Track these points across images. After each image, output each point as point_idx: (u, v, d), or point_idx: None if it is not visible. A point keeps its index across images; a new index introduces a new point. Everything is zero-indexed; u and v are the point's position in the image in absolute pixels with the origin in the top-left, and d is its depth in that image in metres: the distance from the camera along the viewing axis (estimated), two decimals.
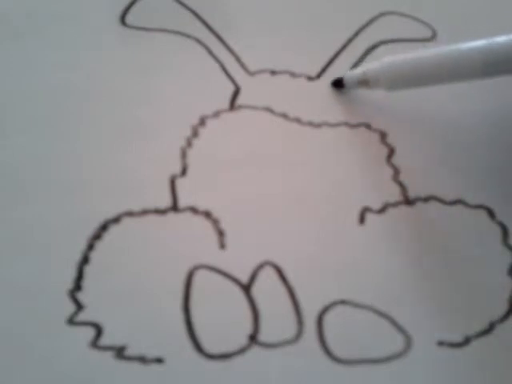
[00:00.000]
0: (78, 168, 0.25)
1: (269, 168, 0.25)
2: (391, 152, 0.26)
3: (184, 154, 0.25)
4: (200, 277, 0.23)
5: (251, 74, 0.28)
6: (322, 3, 0.30)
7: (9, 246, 0.23)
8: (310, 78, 0.28)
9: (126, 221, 0.24)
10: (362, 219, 0.24)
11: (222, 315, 0.22)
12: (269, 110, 0.27)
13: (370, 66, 0.26)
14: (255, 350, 0.22)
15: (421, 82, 0.25)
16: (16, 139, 0.25)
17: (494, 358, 0.22)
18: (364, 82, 0.26)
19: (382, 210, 0.25)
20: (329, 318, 0.22)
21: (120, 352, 0.21)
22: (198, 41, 0.28)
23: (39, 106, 0.26)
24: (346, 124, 0.26)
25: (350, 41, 0.29)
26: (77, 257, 0.23)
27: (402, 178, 0.25)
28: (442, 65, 0.24)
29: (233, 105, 0.27)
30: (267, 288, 0.23)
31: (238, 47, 0.28)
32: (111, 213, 0.24)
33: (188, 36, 0.28)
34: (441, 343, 0.22)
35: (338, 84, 0.27)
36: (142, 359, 0.21)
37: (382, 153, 0.26)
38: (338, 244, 0.24)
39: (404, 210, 0.25)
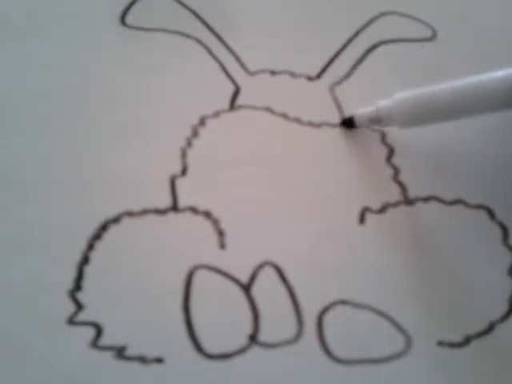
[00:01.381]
0: (78, 168, 0.25)
1: (269, 168, 0.25)
2: (391, 152, 0.26)
3: (184, 154, 0.25)
4: (200, 277, 0.23)
5: (251, 74, 0.28)
6: (321, 3, 0.30)
7: (9, 246, 0.23)
8: (309, 78, 0.28)
9: (126, 221, 0.24)
10: (361, 219, 0.24)
11: (221, 315, 0.22)
12: (269, 110, 0.27)
13: (382, 103, 0.25)
14: (255, 350, 0.22)
15: (436, 118, 0.24)
16: (16, 139, 0.25)
17: (494, 358, 0.22)
18: (376, 120, 0.25)
19: (382, 210, 0.25)
20: (329, 318, 0.22)
21: (120, 352, 0.21)
22: (198, 41, 0.28)
23: (39, 106, 0.26)
24: None
25: (349, 41, 0.29)
26: (77, 257, 0.23)
27: (402, 178, 0.25)
28: (459, 99, 0.23)
29: (233, 105, 0.27)
30: (267, 288, 0.23)
31: (237, 47, 0.28)
32: (111, 213, 0.24)
33: (188, 36, 0.28)
34: (441, 343, 0.22)
35: (347, 123, 0.26)
36: (142, 359, 0.21)
37: (381, 153, 0.26)
38: (337, 244, 0.24)
39: (404, 209, 0.25)
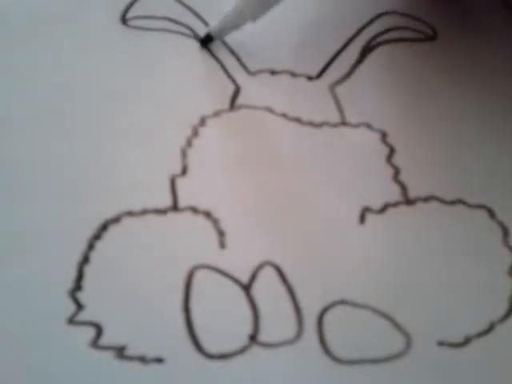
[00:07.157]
0: (77, 168, 0.25)
1: (269, 168, 0.25)
2: (391, 152, 0.26)
3: (184, 154, 0.25)
4: (200, 277, 0.23)
5: (251, 73, 0.28)
6: (322, 3, 0.30)
7: (9, 246, 0.23)
8: (309, 78, 0.28)
9: (126, 221, 0.24)
10: (362, 219, 0.24)
11: (222, 315, 0.22)
12: (269, 110, 0.27)
13: (226, 8, 0.27)
14: (255, 350, 0.22)
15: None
16: (16, 139, 0.25)
17: (494, 358, 0.22)
18: (231, 25, 0.27)
19: (382, 210, 0.25)
20: (329, 318, 0.22)
21: (120, 352, 0.21)
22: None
23: (39, 106, 0.26)
24: (346, 124, 0.26)
25: (350, 41, 0.29)
26: (77, 257, 0.23)
27: (402, 178, 0.25)
28: None
29: (233, 105, 0.27)
30: (267, 288, 0.23)
31: (238, 47, 0.28)
32: (111, 213, 0.24)
33: (188, 36, 0.28)
34: (441, 343, 0.22)
35: (206, 41, 0.28)
36: (142, 359, 0.21)
37: (381, 153, 0.26)
38: (338, 244, 0.24)
39: (404, 209, 0.25)
